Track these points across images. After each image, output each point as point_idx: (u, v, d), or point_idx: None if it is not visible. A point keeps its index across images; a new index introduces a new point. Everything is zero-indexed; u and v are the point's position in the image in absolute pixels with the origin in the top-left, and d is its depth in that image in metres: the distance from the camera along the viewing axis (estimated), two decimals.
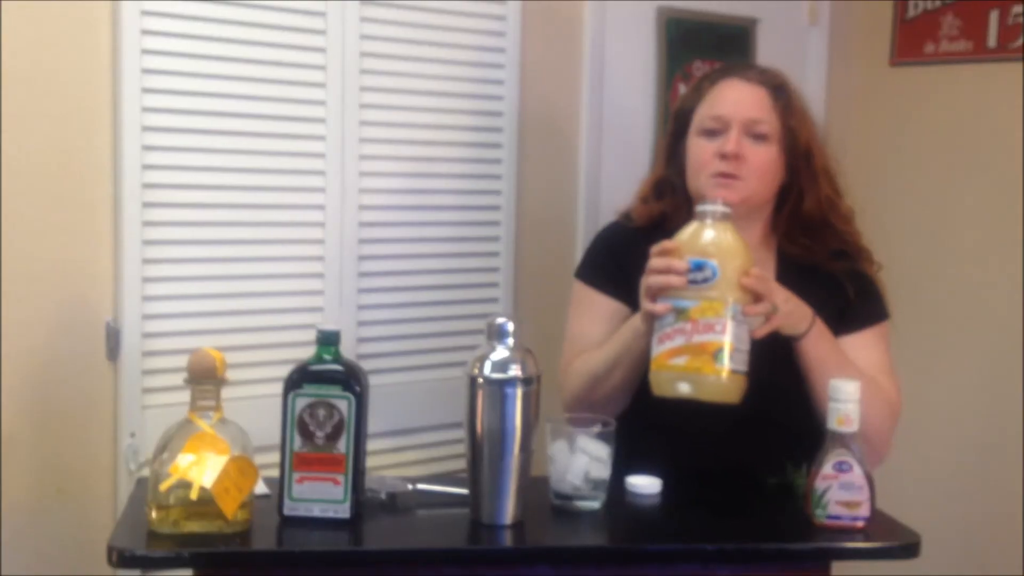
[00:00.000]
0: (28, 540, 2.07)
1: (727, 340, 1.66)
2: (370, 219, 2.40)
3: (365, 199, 2.39)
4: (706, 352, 1.65)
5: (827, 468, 1.64)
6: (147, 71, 2.10)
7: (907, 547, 1.65)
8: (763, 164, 1.85)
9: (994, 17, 2.94)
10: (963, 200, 3.03)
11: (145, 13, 2.09)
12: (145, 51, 2.10)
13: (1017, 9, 2.90)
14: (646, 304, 1.70)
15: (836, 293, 1.90)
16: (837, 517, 1.65)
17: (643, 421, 1.83)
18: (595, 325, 1.93)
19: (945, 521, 2.69)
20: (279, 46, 2.26)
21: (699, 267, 1.67)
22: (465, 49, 2.51)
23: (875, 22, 3.16)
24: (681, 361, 1.66)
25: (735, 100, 1.86)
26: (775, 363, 1.76)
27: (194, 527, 1.55)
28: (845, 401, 1.64)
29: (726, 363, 1.65)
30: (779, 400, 1.81)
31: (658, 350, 1.69)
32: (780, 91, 1.89)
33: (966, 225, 3.02)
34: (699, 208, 1.72)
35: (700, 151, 1.87)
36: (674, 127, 1.96)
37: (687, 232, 1.71)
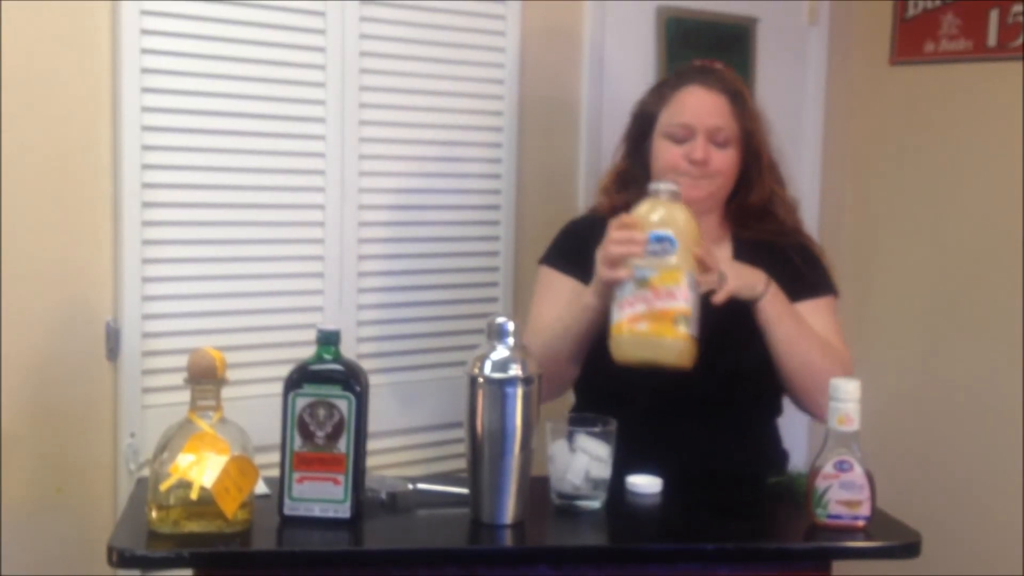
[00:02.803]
0: (28, 540, 2.07)
1: (687, 306, 1.76)
2: (370, 219, 2.40)
3: (365, 199, 2.39)
4: (667, 318, 1.76)
5: (828, 467, 1.64)
6: (147, 71, 2.10)
7: (907, 547, 1.66)
8: (726, 166, 2.01)
9: (994, 16, 2.94)
10: (963, 199, 3.03)
11: (145, 13, 2.09)
12: (145, 51, 2.10)
13: (1017, 8, 2.89)
14: (605, 272, 1.80)
15: (786, 265, 2.01)
16: (838, 516, 1.65)
17: (605, 408, 1.86)
18: (555, 306, 2.01)
19: (945, 521, 2.69)
20: (279, 46, 2.26)
21: (659, 239, 1.78)
22: (465, 49, 2.51)
23: (875, 21, 3.15)
24: (643, 327, 1.76)
25: (698, 108, 2.00)
26: (738, 346, 1.91)
27: (194, 527, 1.55)
28: (845, 400, 1.64)
29: (686, 328, 1.76)
30: (743, 382, 1.96)
31: (620, 316, 1.78)
32: (738, 97, 2.03)
33: (966, 224, 3.02)
34: (652, 187, 1.85)
35: (668, 154, 2.01)
36: (636, 128, 2.09)
37: (644, 208, 1.83)
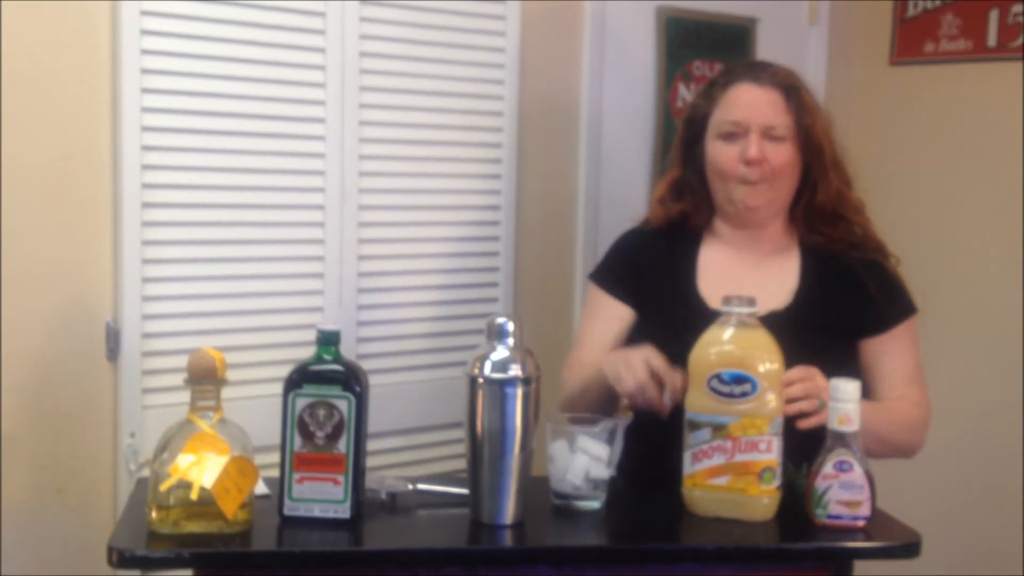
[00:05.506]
0: (28, 540, 2.07)
1: (773, 457, 1.64)
2: (370, 219, 2.40)
3: (365, 199, 2.39)
4: (751, 472, 1.64)
5: (828, 468, 1.64)
6: (146, 71, 2.10)
7: (907, 547, 1.65)
8: (783, 163, 1.90)
9: (994, 16, 2.94)
10: (963, 199, 3.03)
11: (145, 13, 2.09)
12: (145, 51, 2.10)
13: (1017, 8, 2.90)
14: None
15: (858, 291, 1.93)
16: (838, 517, 1.65)
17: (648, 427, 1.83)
18: (599, 328, 2.01)
19: (945, 521, 2.69)
20: (278, 46, 2.26)
21: (737, 380, 1.62)
22: (465, 49, 2.51)
23: (875, 21, 3.16)
24: (722, 481, 1.65)
25: (751, 105, 1.90)
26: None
27: (194, 527, 1.55)
28: (845, 401, 1.64)
29: (772, 481, 1.65)
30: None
31: (694, 468, 1.67)
32: (792, 92, 1.92)
33: (966, 224, 3.02)
34: (724, 309, 1.68)
35: (722, 156, 1.92)
36: (688, 132, 2.00)
37: (716, 338, 1.66)
